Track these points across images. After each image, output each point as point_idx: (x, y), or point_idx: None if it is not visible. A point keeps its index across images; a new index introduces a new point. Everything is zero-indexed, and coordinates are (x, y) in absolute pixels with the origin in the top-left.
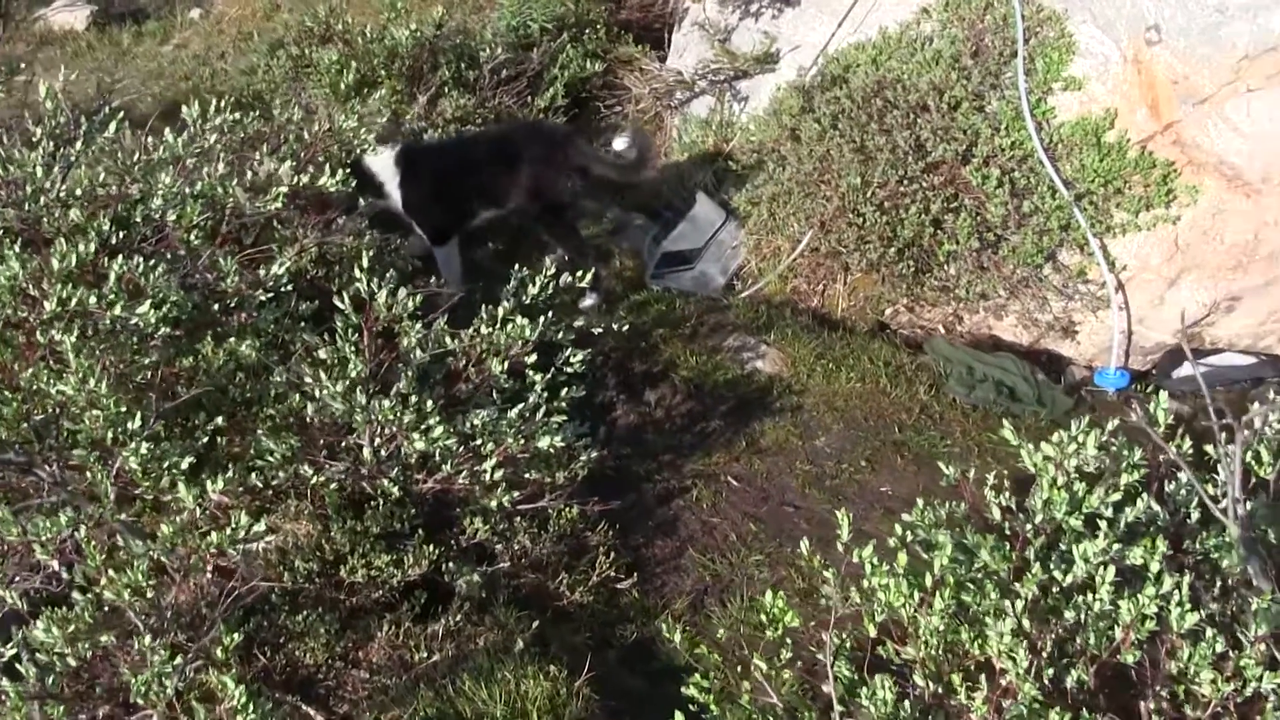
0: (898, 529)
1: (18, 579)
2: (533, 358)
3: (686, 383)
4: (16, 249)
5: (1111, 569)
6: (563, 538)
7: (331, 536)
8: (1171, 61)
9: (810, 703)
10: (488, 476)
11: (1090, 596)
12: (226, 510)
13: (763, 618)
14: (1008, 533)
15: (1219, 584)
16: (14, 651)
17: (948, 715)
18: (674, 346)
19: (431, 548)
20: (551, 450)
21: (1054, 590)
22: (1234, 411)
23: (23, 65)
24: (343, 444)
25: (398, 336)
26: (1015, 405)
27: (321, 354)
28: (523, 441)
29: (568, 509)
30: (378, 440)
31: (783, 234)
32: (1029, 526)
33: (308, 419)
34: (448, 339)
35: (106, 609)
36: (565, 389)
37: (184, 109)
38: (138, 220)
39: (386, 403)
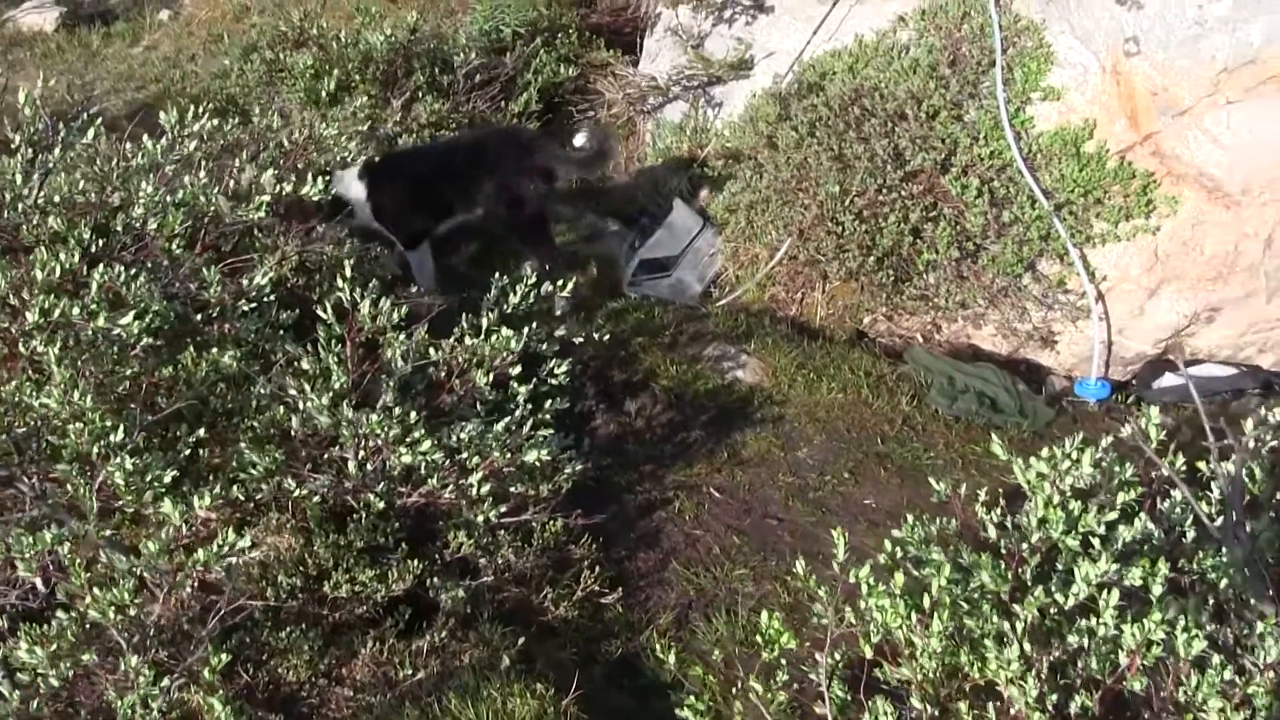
0: (888, 545)
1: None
2: (517, 369)
3: (667, 392)
4: None
5: (1115, 593)
6: (546, 551)
7: (314, 551)
8: (1150, 73)
9: None
10: (474, 490)
11: (1094, 620)
12: (209, 525)
13: (758, 638)
14: (1003, 551)
15: (1214, 605)
16: None
17: None
18: (653, 355)
19: (415, 562)
20: (537, 464)
21: (1052, 611)
22: (1215, 422)
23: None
24: (325, 456)
25: (380, 347)
26: (997, 416)
27: (304, 365)
28: (509, 455)
29: (552, 522)
30: (362, 453)
31: (761, 241)
32: (1025, 546)
33: (291, 431)
34: (430, 350)
35: (87, 626)
36: (549, 400)
37: (162, 115)
38: (118, 229)
39: (374, 416)
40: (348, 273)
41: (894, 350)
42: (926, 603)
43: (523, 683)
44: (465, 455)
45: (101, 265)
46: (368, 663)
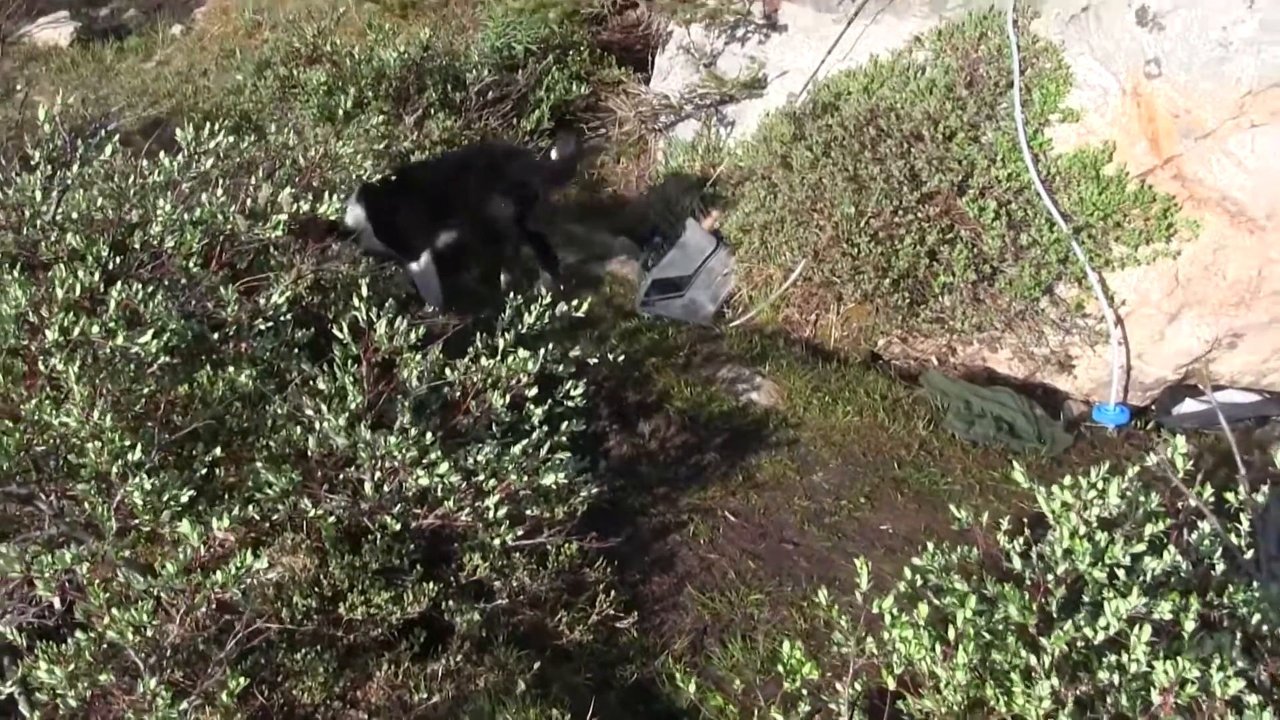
0: (908, 573)
1: (11, 613)
2: (533, 391)
3: (681, 414)
4: (17, 274)
5: (1147, 629)
6: (561, 574)
7: (329, 572)
8: (1173, 95)
9: None
10: (490, 513)
11: (1124, 656)
12: (226, 545)
13: (778, 667)
14: (1027, 582)
15: (1244, 641)
16: (11, 689)
17: None
18: (667, 376)
19: (431, 585)
20: (554, 486)
21: (1079, 645)
22: (1240, 450)
23: (17, 88)
24: (341, 477)
25: (395, 368)
26: (1015, 441)
27: (320, 384)
28: (525, 478)
29: (567, 545)
30: (379, 474)
31: (774, 262)
32: (1050, 577)
33: (307, 451)
34: (446, 370)
35: (105, 646)
36: (565, 422)
37: (178, 132)
38: (135, 246)
39: (391, 438)
40: (364, 292)
41: (909, 373)
42: (951, 634)
43: (538, 708)
44: (482, 478)
45: (119, 283)
46: (382, 686)
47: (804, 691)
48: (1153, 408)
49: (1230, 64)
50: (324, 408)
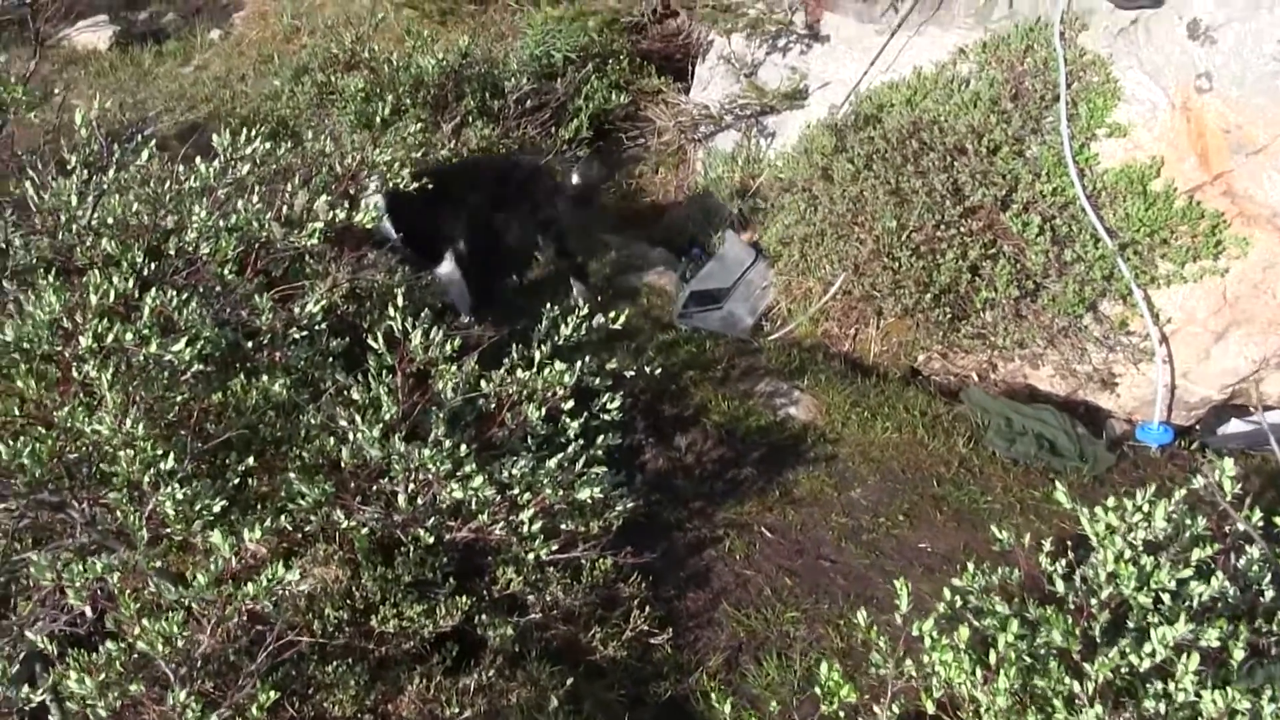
0: (947, 594)
1: (43, 620)
2: (569, 404)
3: (718, 428)
4: (51, 279)
5: (1195, 657)
6: (595, 588)
7: (362, 584)
8: (1224, 110)
9: None
10: (525, 528)
11: (1171, 685)
12: (258, 556)
13: (816, 689)
14: (1070, 606)
15: None
16: (43, 698)
17: None
18: (705, 390)
19: (464, 598)
20: (589, 501)
21: (1124, 672)
22: None
23: (55, 92)
24: (374, 488)
25: (430, 379)
26: (1056, 460)
27: (354, 394)
28: (560, 492)
29: (601, 560)
30: (413, 486)
31: (814, 276)
32: (1094, 601)
33: (340, 462)
34: (481, 382)
35: (135, 656)
36: (601, 436)
37: (214, 137)
38: (170, 253)
39: (426, 450)
40: (399, 301)
41: (949, 389)
42: (992, 658)
43: None
44: (516, 491)
45: (154, 289)
46: (414, 700)
47: (841, 714)
48: (1197, 428)
49: None
50: (358, 418)
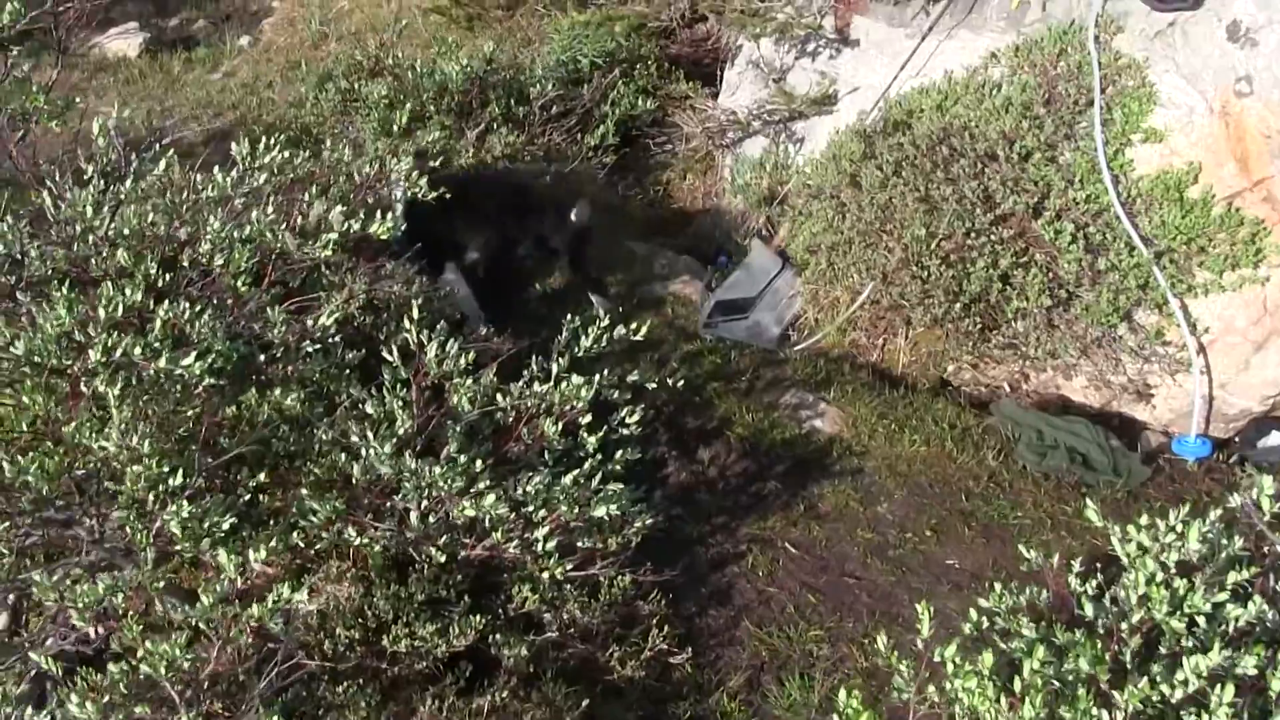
0: (974, 614)
1: (53, 639)
2: (587, 418)
3: (741, 441)
4: (65, 291)
5: (1230, 688)
6: (613, 606)
7: (374, 602)
8: (1265, 114)
9: None
10: (540, 546)
11: (1205, 717)
12: (267, 574)
13: (834, 716)
14: (1099, 630)
15: None
16: None
17: None
18: (728, 402)
19: (478, 617)
20: (606, 518)
21: (1155, 700)
22: None
23: (78, 100)
24: (388, 505)
25: (446, 392)
26: (1089, 474)
27: (368, 409)
28: (576, 510)
29: (620, 577)
30: (425, 503)
31: (842, 284)
32: (1124, 625)
33: (352, 478)
34: (498, 396)
35: (141, 678)
36: (620, 450)
37: (233, 146)
38: (184, 264)
39: (437, 468)
40: (415, 313)
41: (979, 400)
42: (1017, 685)
43: None
44: (531, 508)
45: (167, 301)
46: None
47: None
48: (1236, 440)
49: None
50: (370, 434)
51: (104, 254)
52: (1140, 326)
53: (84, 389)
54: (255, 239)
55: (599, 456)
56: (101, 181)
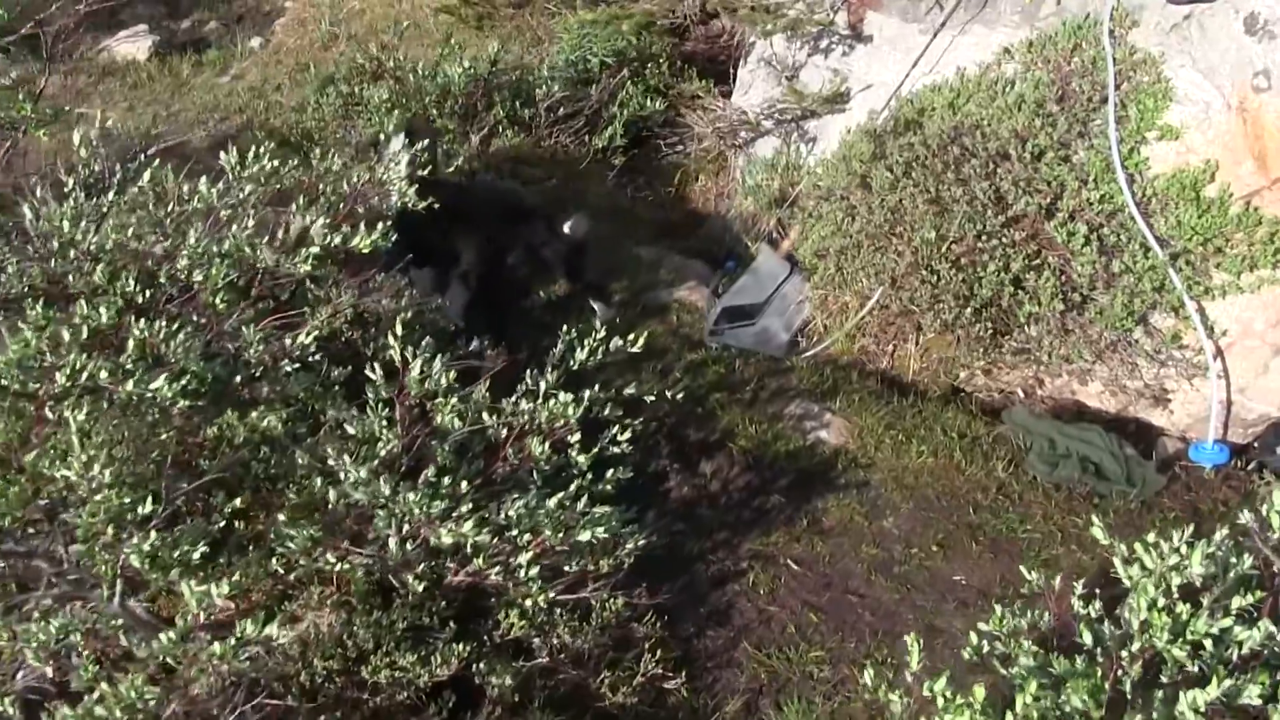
0: (973, 638)
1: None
2: (576, 436)
3: (745, 453)
4: (39, 309)
5: None
6: (606, 629)
7: (354, 630)
8: None
9: None
10: (523, 572)
11: None
12: (249, 598)
13: None
14: (1099, 657)
15: None
16: None
17: None
18: (732, 413)
19: (462, 645)
20: (594, 541)
21: None
22: None
23: (83, 106)
24: (369, 530)
25: (430, 411)
26: (1101, 484)
27: (350, 429)
28: (561, 534)
29: (612, 599)
30: (406, 528)
31: (851, 289)
32: (1125, 653)
33: (330, 504)
34: (484, 414)
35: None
36: (611, 469)
37: (223, 155)
38: (162, 280)
39: (412, 495)
40: (398, 329)
41: (992, 406)
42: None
43: None
44: (515, 532)
45: (143, 320)
46: None
47: None
48: (1255, 446)
49: None
50: (346, 458)
51: (84, 269)
52: (1156, 330)
53: (49, 414)
54: (233, 254)
55: (589, 476)
56: (83, 194)
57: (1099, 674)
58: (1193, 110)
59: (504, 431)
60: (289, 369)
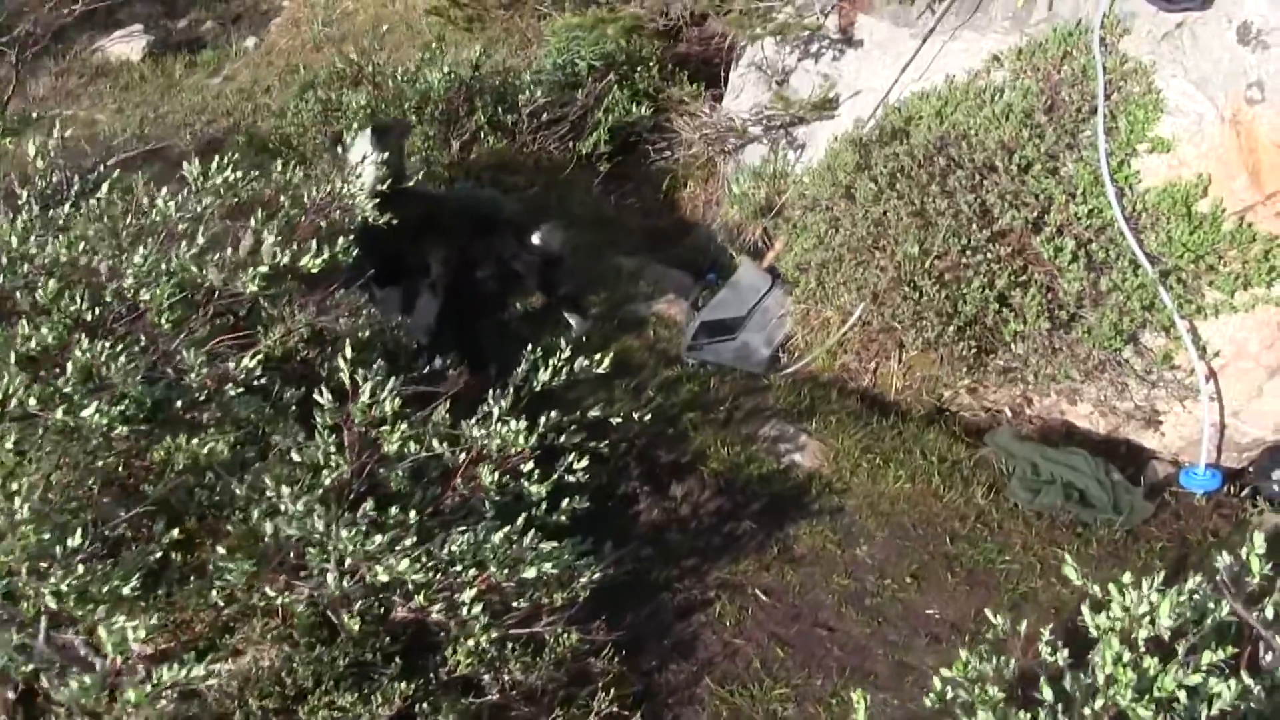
0: (937, 684)
1: None
2: (529, 465)
3: (716, 476)
4: None
5: None
6: (561, 664)
7: (294, 667)
8: (1277, 123)
9: None
10: (466, 610)
11: None
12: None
13: None
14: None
15: None
16: None
17: None
18: (705, 434)
19: (406, 683)
20: (542, 578)
21: None
22: None
23: (65, 111)
24: (308, 564)
25: (377, 439)
26: (1086, 512)
27: (295, 456)
28: (506, 570)
29: (567, 634)
30: (346, 564)
31: (832, 305)
32: (1088, 711)
33: (266, 536)
34: (435, 442)
35: None
36: (567, 499)
37: (184, 165)
38: (107, 299)
39: (345, 532)
40: (348, 352)
41: (978, 426)
42: None
43: None
44: (460, 568)
45: (89, 339)
46: None
47: None
48: (1249, 471)
49: None
50: (285, 489)
51: (38, 283)
52: (1147, 349)
53: None
54: (178, 273)
55: (544, 506)
56: (36, 207)
57: None
58: (1184, 122)
59: (461, 457)
60: (233, 392)
